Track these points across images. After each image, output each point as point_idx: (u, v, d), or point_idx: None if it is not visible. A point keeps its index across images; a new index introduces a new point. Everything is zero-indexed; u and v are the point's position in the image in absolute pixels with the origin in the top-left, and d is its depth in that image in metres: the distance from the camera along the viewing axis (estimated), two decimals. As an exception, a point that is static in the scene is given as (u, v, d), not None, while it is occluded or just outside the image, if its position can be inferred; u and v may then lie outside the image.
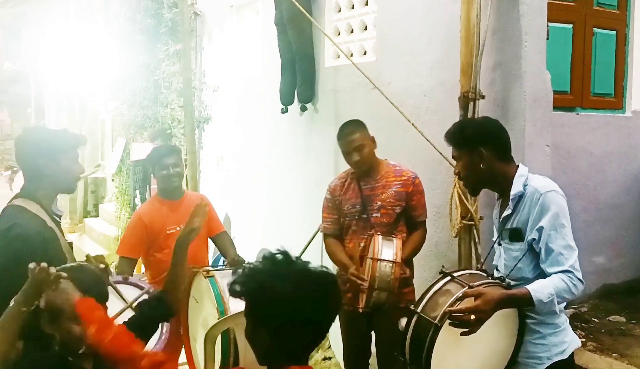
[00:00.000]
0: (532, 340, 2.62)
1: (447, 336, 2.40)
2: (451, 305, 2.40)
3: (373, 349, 3.85)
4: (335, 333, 4.63)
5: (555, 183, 2.64)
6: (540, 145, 3.86)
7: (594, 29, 4.59)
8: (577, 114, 4.50)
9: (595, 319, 4.13)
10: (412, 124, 3.93)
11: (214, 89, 7.40)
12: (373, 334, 3.80)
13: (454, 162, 2.84)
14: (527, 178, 2.63)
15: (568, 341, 2.67)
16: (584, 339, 3.77)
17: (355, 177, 3.72)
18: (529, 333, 2.61)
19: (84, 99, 11.85)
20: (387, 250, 3.34)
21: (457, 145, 2.75)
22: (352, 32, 5.32)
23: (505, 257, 2.73)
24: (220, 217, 4.57)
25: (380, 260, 3.29)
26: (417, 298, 2.69)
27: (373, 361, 3.87)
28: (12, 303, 2.15)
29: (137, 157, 7.82)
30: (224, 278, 3.33)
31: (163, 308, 2.64)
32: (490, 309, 2.38)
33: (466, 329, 2.37)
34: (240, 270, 1.82)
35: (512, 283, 2.59)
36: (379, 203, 3.61)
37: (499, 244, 2.79)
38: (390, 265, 3.29)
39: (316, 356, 5.20)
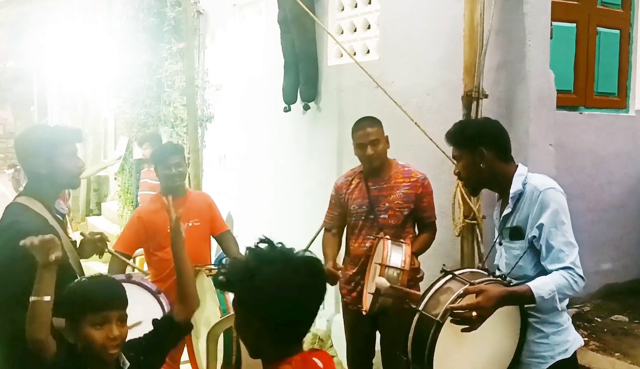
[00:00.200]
0: (535, 339, 2.62)
1: (450, 334, 2.40)
2: (452, 302, 2.40)
3: (377, 348, 3.85)
4: (337, 331, 4.64)
5: (555, 181, 2.64)
6: (544, 144, 3.86)
7: (598, 28, 4.59)
8: (581, 113, 4.49)
9: (598, 319, 4.13)
10: (415, 123, 3.93)
11: (217, 88, 7.40)
12: (377, 333, 3.80)
13: (455, 168, 2.84)
14: (526, 177, 2.64)
15: (571, 340, 2.67)
16: (586, 339, 3.77)
17: (363, 177, 3.68)
18: (532, 333, 2.61)
19: (87, 97, 11.87)
20: (395, 255, 3.28)
21: (457, 145, 2.76)
22: (355, 30, 5.32)
23: (506, 256, 2.73)
24: (223, 216, 4.57)
25: (388, 266, 3.23)
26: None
27: (377, 360, 3.87)
28: (32, 299, 2.20)
29: (140, 155, 7.83)
30: (226, 276, 3.33)
31: (174, 332, 2.57)
32: (491, 306, 2.38)
33: (467, 326, 2.37)
34: (225, 262, 1.83)
35: (514, 281, 2.59)
36: (387, 204, 3.57)
37: (500, 243, 2.79)
38: (398, 271, 3.22)
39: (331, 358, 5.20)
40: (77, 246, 3.07)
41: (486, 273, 2.63)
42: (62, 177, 2.77)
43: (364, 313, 3.41)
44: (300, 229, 5.63)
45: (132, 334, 2.34)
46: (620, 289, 4.60)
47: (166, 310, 3.41)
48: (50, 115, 14.58)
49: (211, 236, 4.30)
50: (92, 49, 10.08)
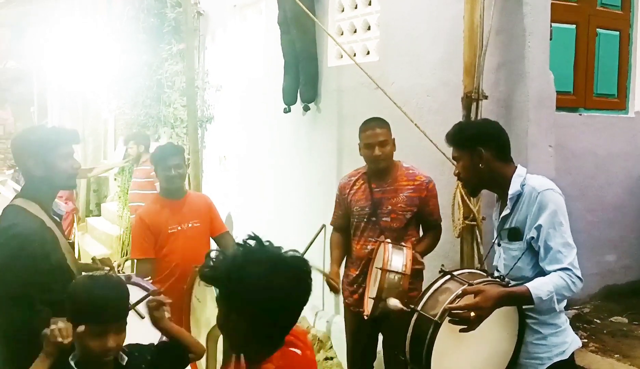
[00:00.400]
0: (533, 341, 2.62)
1: (448, 335, 2.40)
2: (451, 302, 2.40)
3: (378, 348, 3.84)
4: (337, 332, 4.64)
5: (553, 183, 2.65)
6: (544, 145, 3.86)
7: (598, 29, 4.59)
8: (580, 115, 4.49)
9: (598, 320, 4.13)
10: (415, 124, 3.93)
11: (217, 89, 7.41)
12: (379, 336, 3.79)
13: (455, 169, 2.84)
14: (525, 178, 2.65)
15: (569, 341, 2.67)
16: (586, 340, 3.77)
17: (367, 178, 3.67)
18: (530, 334, 2.62)
19: (87, 98, 11.86)
20: (397, 259, 3.27)
21: (457, 146, 2.76)
22: (355, 32, 5.32)
23: (504, 257, 2.73)
24: (223, 217, 4.58)
25: (389, 271, 3.22)
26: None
27: (378, 363, 3.87)
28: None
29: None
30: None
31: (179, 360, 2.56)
32: (489, 306, 2.38)
33: (465, 327, 2.37)
34: (212, 256, 1.81)
35: (512, 282, 2.60)
36: (390, 207, 3.55)
37: (498, 245, 2.80)
38: (399, 276, 3.21)
39: (318, 356, 5.20)
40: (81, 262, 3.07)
41: (485, 274, 2.64)
42: (58, 178, 2.76)
43: (365, 317, 3.41)
44: (300, 229, 5.63)
45: (132, 334, 2.34)
46: (620, 290, 4.60)
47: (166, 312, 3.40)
48: (51, 115, 14.57)
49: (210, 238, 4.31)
50: (92, 50, 10.07)
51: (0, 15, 13.14)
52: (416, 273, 3.42)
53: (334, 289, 3.66)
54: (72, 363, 2.17)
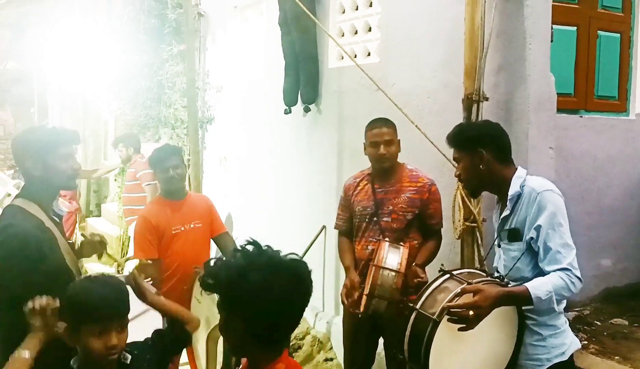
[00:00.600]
0: (532, 342, 2.63)
1: (446, 334, 2.41)
2: (450, 300, 2.41)
3: (378, 349, 3.84)
4: (337, 334, 4.63)
5: (553, 184, 2.66)
6: (544, 147, 3.86)
7: (599, 31, 4.58)
8: (581, 117, 4.49)
9: (598, 322, 4.12)
10: (416, 126, 3.93)
11: (218, 90, 7.41)
12: (380, 340, 3.78)
13: (456, 171, 2.85)
14: (524, 179, 2.66)
15: (568, 343, 2.68)
16: (586, 342, 3.77)
17: (370, 179, 3.68)
18: (529, 335, 2.62)
19: (87, 99, 11.86)
20: (392, 257, 3.28)
21: (458, 147, 2.77)
22: (356, 33, 5.33)
23: (504, 258, 2.74)
24: (223, 218, 4.58)
25: (383, 268, 3.23)
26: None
27: (380, 366, 3.87)
28: (17, 354, 2.15)
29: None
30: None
31: (175, 341, 2.54)
32: (488, 305, 2.39)
33: (464, 325, 2.38)
34: (211, 264, 1.81)
35: (512, 283, 2.60)
36: (391, 207, 3.56)
37: (498, 246, 2.80)
38: (394, 274, 3.22)
39: (318, 357, 5.20)
40: (78, 246, 3.07)
41: (484, 274, 2.65)
42: (58, 179, 2.75)
43: (358, 314, 3.40)
44: (300, 231, 5.63)
45: (133, 333, 2.34)
46: (620, 292, 4.60)
47: None
48: (51, 116, 14.57)
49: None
50: (92, 51, 10.07)
51: (0, 16, 13.13)
52: (418, 285, 3.40)
53: (354, 289, 3.45)
54: (74, 367, 2.17)
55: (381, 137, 3.55)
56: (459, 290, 2.42)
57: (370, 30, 5.17)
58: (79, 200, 12.17)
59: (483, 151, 2.66)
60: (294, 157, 5.92)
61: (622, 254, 4.66)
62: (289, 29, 5.50)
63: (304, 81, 5.51)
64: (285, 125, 5.92)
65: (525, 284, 2.47)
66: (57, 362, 2.20)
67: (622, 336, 3.94)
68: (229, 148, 7.23)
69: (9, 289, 2.48)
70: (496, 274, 2.74)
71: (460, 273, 2.61)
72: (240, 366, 1.92)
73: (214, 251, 4.76)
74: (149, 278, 3.63)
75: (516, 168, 2.72)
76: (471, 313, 2.35)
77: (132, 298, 2.33)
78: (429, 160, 4.01)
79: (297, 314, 1.80)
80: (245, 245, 1.82)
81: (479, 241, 3.72)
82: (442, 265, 2.71)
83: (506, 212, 2.69)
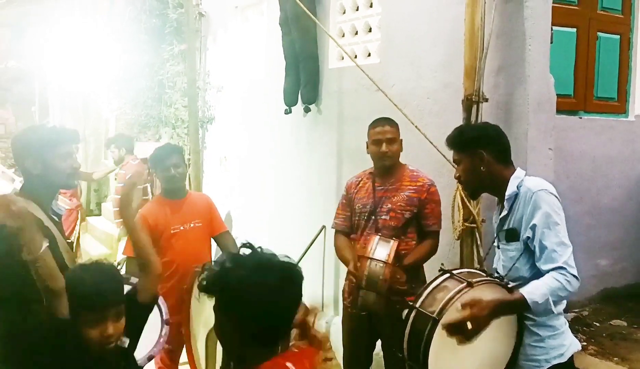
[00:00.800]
0: (530, 343, 2.63)
1: (443, 334, 2.41)
2: (450, 298, 2.42)
3: (376, 350, 3.85)
4: (337, 334, 4.64)
5: (550, 184, 2.67)
6: (543, 148, 3.87)
7: (598, 33, 4.59)
8: (580, 118, 4.50)
9: (597, 323, 4.13)
10: (416, 126, 3.94)
11: (218, 89, 7.41)
12: (378, 341, 3.79)
13: (456, 172, 2.86)
14: (522, 180, 2.67)
15: (567, 344, 2.68)
16: (585, 343, 3.77)
17: (372, 178, 3.70)
18: (528, 336, 2.63)
19: (88, 98, 11.87)
20: (381, 249, 3.28)
21: (458, 149, 2.78)
22: (356, 33, 5.33)
23: (503, 258, 2.75)
24: (222, 217, 4.58)
25: (371, 258, 3.23)
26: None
27: (378, 365, 3.87)
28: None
29: (141, 156, 7.82)
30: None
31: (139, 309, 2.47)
32: (485, 316, 2.39)
33: (463, 337, 2.38)
34: (206, 268, 1.84)
35: (511, 284, 2.61)
36: (389, 205, 3.57)
37: (498, 246, 2.81)
38: (381, 265, 3.21)
39: (317, 357, 5.20)
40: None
41: (484, 274, 2.65)
42: (57, 178, 2.75)
43: (357, 313, 3.41)
44: (300, 230, 5.64)
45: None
46: (619, 293, 4.60)
47: (164, 313, 3.41)
48: (52, 115, 14.56)
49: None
50: (93, 50, 10.08)
51: (0, 15, 13.14)
52: (397, 291, 3.39)
53: (358, 278, 3.36)
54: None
55: (384, 134, 3.57)
56: (460, 288, 2.42)
57: (370, 30, 5.17)
58: (80, 198, 12.19)
59: (483, 152, 2.67)
60: (294, 157, 5.93)
61: (621, 255, 4.66)
62: (290, 29, 5.51)
63: (304, 81, 5.52)
64: (286, 125, 5.92)
65: (520, 290, 2.47)
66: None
67: (621, 337, 3.95)
68: (229, 148, 7.24)
69: (8, 287, 2.49)
70: (496, 274, 2.75)
71: (460, 273, 2.62)
72: None
73: (215, 251, 4.77)
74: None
75: (515, 169, 2.73)
76: (469, 325, 2.36)
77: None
78: (428, 160, 4.02)
79: (284, 315, 1.80)
80: (240, 247, 1.84)
81: (478, 242, 3.73)
82: (442, 264, 2.72)
83: (504, 212, 2.70)
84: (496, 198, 2.85)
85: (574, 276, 2.49)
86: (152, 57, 8.22)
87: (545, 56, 3.88)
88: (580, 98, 4.56)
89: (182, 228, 4.04)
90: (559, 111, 4.07)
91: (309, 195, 5.71)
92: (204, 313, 3.79)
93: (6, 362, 2.60)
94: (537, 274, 2.56)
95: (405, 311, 2.56)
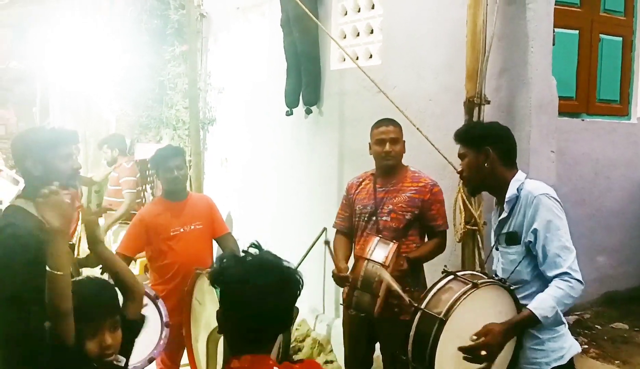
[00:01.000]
0: (531, 346, 2.64)
1: (450, 335, 2.41)
2: (456, 300, 2.43)
3: (376, 353, 3.84)
4: (337, 336, 4.63)
5: (551, 187, 2.67)
6: (546, 151, 3.86)
7: (600, 35, 4.59)
8: (583, 120, 4.49)
9: (598, 326, 4.12)
10: (417, 128, 3.93)
11: (219, 91, 7.41)
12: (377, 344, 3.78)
13: (459, 167, 2.85)
14: (522, 183, 2.67)
15: (567, 347, 2.68)
16: (586, 346, 3.77)
17: (373, 178, 3.68)
18: (528, 339, 2.63)
19: (89, 99, 11.87)
20: (379, 251, 3.25)
21: (465, 143, 2.79)
22: (358, 35, 5.33)
23: (502, 261, 2.75)
24: (223, 218, 4.57)
25: (369, 260, 3.21)
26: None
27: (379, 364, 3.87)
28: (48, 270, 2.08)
29: (141, 157, 7.81)
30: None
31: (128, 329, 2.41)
32: (499, 343, 2.43)
33: (482, 365, 2.42)
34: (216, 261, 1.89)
35: (512, 287, 2.61)
36: (390, 206, 3.55)
37: (497, 249, 2.81)
38: (378, 266, 3.18)
39: (318, 359, 5.20)
40: (81, 256, 3.06)
41: (486, 276, 2.66)
42: (57, 178, 2.74)
43: (355, 314, 3.40)
44: (301, 232, 5.63)
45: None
46: (621, 296, 4.59)
47: (164, 315, 3.41)
48: (53, 116, 14.57)
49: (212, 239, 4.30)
50: (94, 51, 10.08)
51: (2, 16, 13.16)
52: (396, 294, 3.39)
53: (339, 279, 3.44)
54: None
55: (387, 134, 3.57)
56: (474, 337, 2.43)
57: (372, 32, 5.17)
58: (81, 199, 12.18)
59: (489, 149, 2.68)
60: (295, 159, 5.92)
61: (623, 258, 4.65)
62: (291, 31, 5.51)
63: (305, 83, 5.52)
64: (287, 126, 5.92)
65: (529, 306, 2.49)
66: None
67: (622, 340, 3.94)
68: (231, 150, 7.23)
69: (9, 288, 2.48)
70: (496, 277, 2.74)
71: (464, 274, 2.63)
72: None
73: (216, 252, 4.76)
74: (147, 280, 3.63)
75: (517, 172, 2.73)
76: (483, 353, 2.39)
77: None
78: (429, 162, 4.01)
79: (274, 315, 1.81)
80: (249, 246, 1.88)
81: (480, 245, 3.72)
82: (445, 266, 2.72)
83: (503, 215, 2.70)
84: (495, 199, 2.86)
85: (578, 280, 2.50)
86: (153, 58, 8.22)
87: (547, 58, 3.87)
88: (582, 100, 4.55)
89: (182, 230, 4.03)
90: (561, 113, 4.07)
91: (309, 196, 5.70)
92: (204, 315, 3.78)
93: (3, 364, 2.59)
94: (539, 277, 2.57)
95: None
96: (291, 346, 5.22)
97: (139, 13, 8.43)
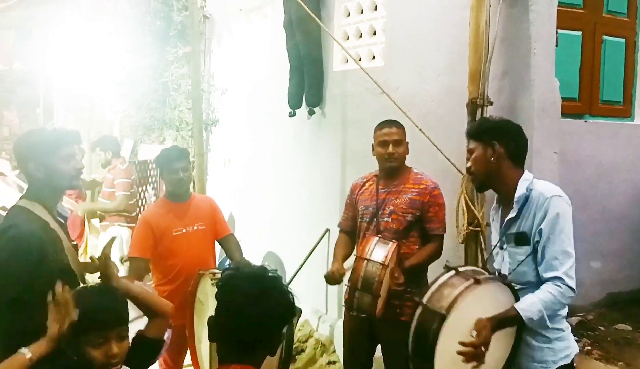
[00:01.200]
0: (539, 345, 2.63)
1: (450, 330, 2.42)
2: (458, 295, 2.45)
3: (377, 354, 3.84)
4: (340, 337, 4.64)
5: (560, 189, 2.66)
6: (549, 152, 3.86)
7: (604, 36, 4.58)
8: (586, 122, 4.49)
9: (602, 328, 4.11)
10: (420, 130, 3.93)
11: (222, 92, 7.42)
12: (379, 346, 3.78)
13: (462, 168, 2.86)
14: (531, 182, 2.66)
15: (571, 346, 2.71)
16: (589, 348, 3.76)
17: (376, 180, 3.69)
18: (536, 338, 2.63)
19: (92, 100, 11.89)
20: (379, 250, 3.23)
21: (474, 137, 2.79)
22: (360, 36, 5.33)
23: (509, 261, 2.74)
24: (226, 219, 4.57)
25: (368, 260, 3.19)
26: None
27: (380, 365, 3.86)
28: (19, 352, 2.09)
29: (144, 158, 7.82)
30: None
31: (147, 349, 2.44)
32: (488, 333, 2.44)
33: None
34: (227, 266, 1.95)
35: (517, 287, 2.61)
36: (391, 208, 3.55)
37: (501, 248, 2.80)
38: (378, 266, 3.17)
39: (321, 360, 5.20)
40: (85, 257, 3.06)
41: (487, 272, 2.67)
42: (60, 180, 2.74)
43: (356, 315, 3.40)
44: (303, 233, 5.63)
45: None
46: (624, 298, 4.58)
47: None
48: (56, 117, 14.59)
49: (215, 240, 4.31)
50: (97, 52, 10.10)
51: (5, 18, 13.17)
52: (397, 295, 3.39)
53: (332, 278, 3.49)
54: None
55: (390, 136, 3.57)
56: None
57: (375, 33, 5.17)
58: (85, 199, 12.19)
59: (497, 143, 2.68)
60: (298, 160, 5.93)
61: (626, 260, 4.64)
62: (294, 32, 5.51)
63: (308, 84, 5.52)
64: (290, 128, 5.92)
65: (515, 306, 2.52)
66: None
67: (626, 341, 3.93)
68: (234, 151, 7.24)
69: (12, 289, 2.48)
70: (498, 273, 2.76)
71: (466, 270, 2.65)
72: None
73: (218, 254, 4.77)
74: (151, 281, 3.64)
75: (524, 172, 2.72)
76: (483, 348, 2.42)
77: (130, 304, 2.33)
78: (432, 164, 4.01)
79: (261, 323, 1.83)
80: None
81: (482, 246, 3.72)
82: (447, 261, 2.73)
83: (512, 214, 2.69)
84: (496, 196, 2.86)
85: (570, 287, 2.50)
86: (157, 60, 8.24)
87: (550, 59, 3.87)
88: (585, 101, 4.55)
89: (184, 230, 4.03)
90: (564, 115, 4.06)
91: (312, 197, 5.71)
92: (207, 316, 3.78)
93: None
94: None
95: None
96: (294, 346, 5.21)
97: (143, 14, 8.45)
